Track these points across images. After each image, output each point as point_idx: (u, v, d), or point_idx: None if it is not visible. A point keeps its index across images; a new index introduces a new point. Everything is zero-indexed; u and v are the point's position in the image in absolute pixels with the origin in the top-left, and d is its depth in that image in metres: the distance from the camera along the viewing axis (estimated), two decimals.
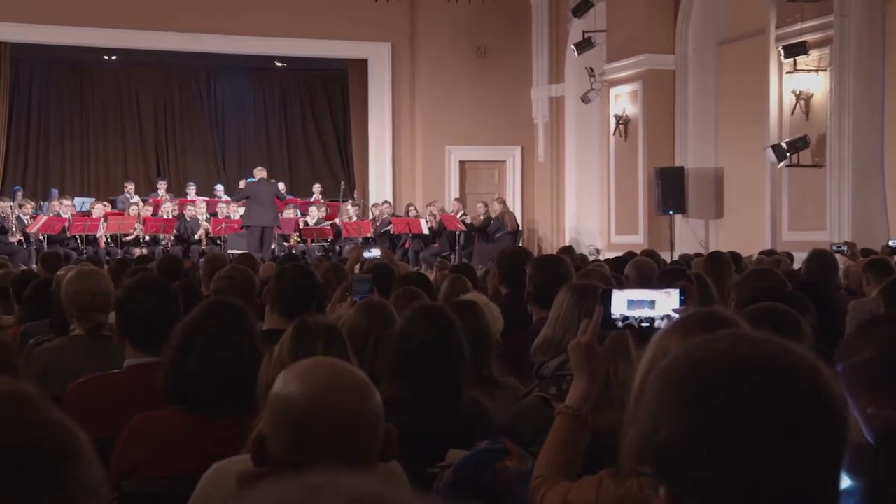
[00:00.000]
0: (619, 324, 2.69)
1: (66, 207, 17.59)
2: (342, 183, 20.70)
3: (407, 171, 20.76)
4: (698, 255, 11.76)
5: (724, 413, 1.20)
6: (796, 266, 9.44)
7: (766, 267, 6.85)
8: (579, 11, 17.73)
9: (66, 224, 16.92)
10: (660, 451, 1.24)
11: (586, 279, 4.51)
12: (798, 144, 13.70)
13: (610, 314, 2.68)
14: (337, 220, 18.95)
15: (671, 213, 16.41)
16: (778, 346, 1.27)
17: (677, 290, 2.76)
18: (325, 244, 18.36)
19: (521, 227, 19.32)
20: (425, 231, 18.14)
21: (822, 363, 1.26)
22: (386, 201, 19.52)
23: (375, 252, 10.03)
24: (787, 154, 13.74)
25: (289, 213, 18.51)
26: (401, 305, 4.35)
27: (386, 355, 3.62)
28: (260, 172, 17.51)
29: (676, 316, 2.66)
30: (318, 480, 0.88)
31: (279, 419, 2.00)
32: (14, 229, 16.56)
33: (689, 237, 16.62)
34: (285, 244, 17.95)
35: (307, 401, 1.97)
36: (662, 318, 2.69)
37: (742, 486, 1.19)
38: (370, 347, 3.82)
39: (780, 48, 13.97)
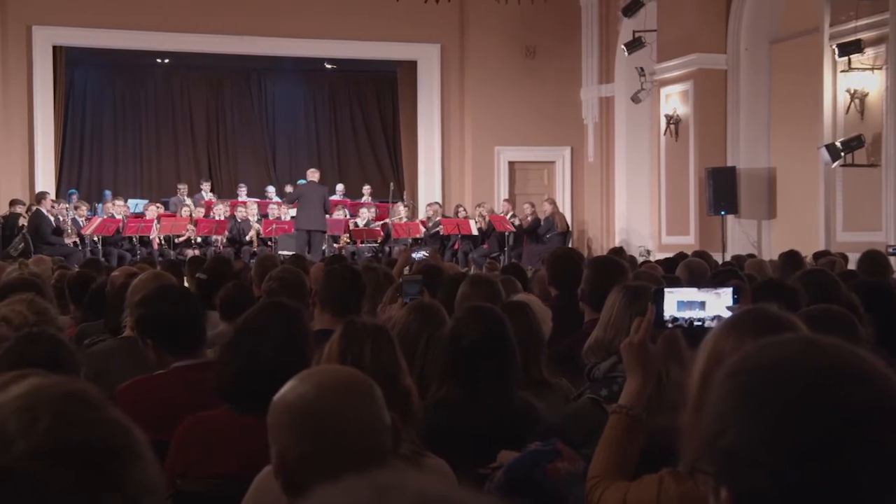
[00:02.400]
0: (670, 324, 2.68)
1: (119, 209, 17.80)
2: (392, 184, 20.74)
3: (456, 172, 20.77)
4: (751, 255, 11.64)
5: (796, 419, 1.19)
6: (851, 267, 9.32)
7: (820, 267, 6.78)
8: (629, 11, 17.63)
9: (120, 225, 17.13)
10: (725, 454, 1.23)
11: (638, 281, 4.49)
12: (853, 144, 13.52)
13: (662, 313, 2.67)
14: (387, 221, 19.00)
15: (723, 213, 16.26)
16: (849, 353, 1.25)
17: (729, 290, 2.73)
18: (375, 245, 18.41)
19: (570, 229, 19.25)
20: (474, 232, 18.13)
21: (891, 370, 1.24)
22: (435, 202, 19.54)
23: (423, 253, 10.06)
24: (842, 154, 13.56)
25: (338, 215, 18.59)
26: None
27: (437, 356, 3.63)
28: (312, 174, 17.58)
29: (729, 314, 2.63)
30: (385, 481, 0.88)
31: (292, 431, 2.04)
32: (70, 231, 16.80)
33: (741, 238, 16.46)
34: (335, 245, 18.03)
35: (313, 407, 2.03)
36: (713, 319, 2.66)
37: (810, 493, 1.17)
38: (421, 349, 3.82)
39: (834, 46, 13.79)
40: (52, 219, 16.41)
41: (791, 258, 7.90)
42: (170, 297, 3.99)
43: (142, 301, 3.97)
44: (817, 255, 10.16)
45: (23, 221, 16.17)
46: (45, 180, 18.61)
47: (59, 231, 16.46)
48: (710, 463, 1.26)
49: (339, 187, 20.31)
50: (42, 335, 3.16)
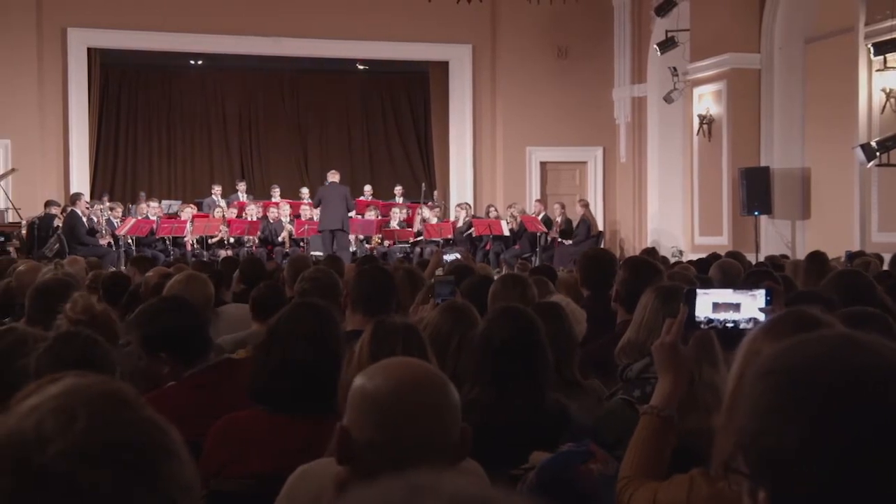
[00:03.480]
0: (704, 326, 2.66)
1: (153, 210, 17.93)
2: (423, 185, 20.77)
3: (487, 173, 20.76)
4: (784, 256, 11.57)
5: (838, 418, 1.17)
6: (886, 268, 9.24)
7: (854, 268, 6.72)
8: (662, 11, 17.56)
9: (154, 226, 17.25)
10: (764, 455, 1.21)
11: (671, 282, 4.47)
12: (888, 143, 13.38)
13: (694, 314, 2.65)
14: (417, 222, 19.01)
15: (756, 213, 16.15)
16: (889, 349, 1.23)
17: (763, 291, 2.71)
18: (407, 246, 18.43)
19: (602, 230, 19.21)
20: (506, 233, 18.11)
21: None
22: (466, 203, 19.52)
23: (454, 255, 10.06)
24: (877, 153, 13.42)
25: (370, 215, 18.62)
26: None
27: (468, 357, 3.63)
28: (332, 176, 17.63)
29: (763, 316, 2.62)
30: (421, 481, 0.88)
31: (364, 410, 2.04)
32: (104, 231, 16.93)
33: (774, 238, 16.34)
34: (366, 246, 18.06)
35: (391, 392, 2.02)
36: (748, 321, 2.65)
37: (851, 494, 1.15)
38: (453, 349, 3.82)
39: (869, 45, 13.66)
40: (86, 220, 16.55)
41: (817, 260, 7.81)
42: (172, 308, 3.97)
43: (144, 318, 3.91)
44: (852, 256, 10.07)
45: (58, 222, 16.32)
46: (80, 181, 18.78)
47: (93, 232, 16.59)
48: (747, 464, 1.24)
49: (367, 188, 20.33)
50: (78, 335, 3.19)
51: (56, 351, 3.05)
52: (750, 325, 2.60)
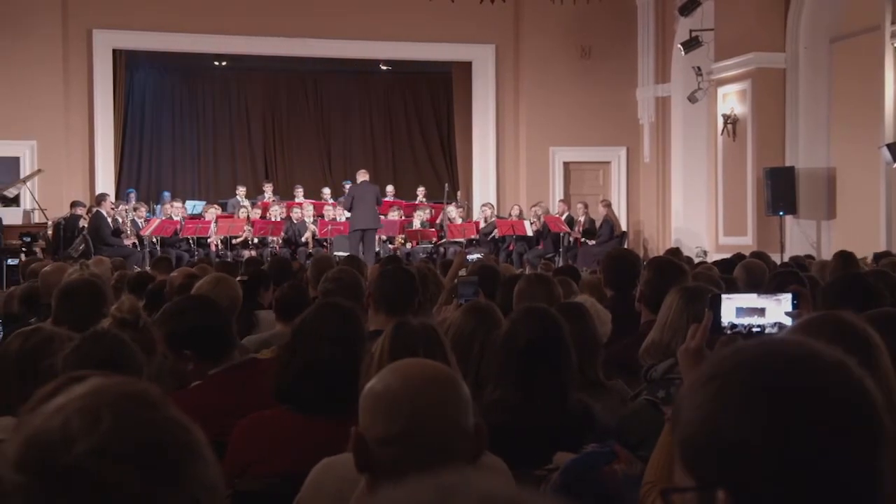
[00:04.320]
0: (729, 331, 2.64)
1: (177, 210, 18.01)
2: (446, 185, 20.78)
3: (511, 173, 20.74)
4: (809, 256, 11.50)
5: (778, 409, 1.24)
6: None
7: (880, 269, 6.67)
8: (686, 10, 17.50)
9: (179, 227, 17.32)
10: (720, 453, 1.26)
11: (696, 282, 4.45)
12: None
13: (719, 319, 2.63)
14: (440, 222, 19.02)
15: (781, 213, 16.07)
16: (823, 350, 1.31)
17: (789, 295, 2.69)
18: (430, 246, 18.44)
19: (626, 230, 19.15)
20: (529, 233, 18.09)
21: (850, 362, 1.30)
22: (489, 203, 19.50)
23: (477, 255, 10.06)
24: None
25: (393, 216, 18.64)
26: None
27: (492, 357, 3.62)
28: (362, 175, 17.62)
29: (789, 321, 2.60)
30: (450, 481, 0.88)
31: (374, 409, 2.05)
32: (129, 232, 17.03)
33: (799, 238, 16.25)
34: (390, 246, 18.08)
35: (399, 388, 2.04)
36: (773, 326, 2.63)
37: (801, 473, 1.22)
38: (476, 350, 3.82)
39: (895, 44, 13.58)
40: (111, 220, 16.64)
41: (846, 259, 7.78)
42: (198, 307, 4.03)
43: (170, 316, 3.96)
44: (878, 256, 10.00)
45: (83, 223, 16.43)
46: (105, 182, 18.89)
47: (118, 232, 16.69)
48: (698, 470, 1.28)
49: (389, 188, 20.35)
50: (105, 334, 3.21)
51: (83, 351, 3.07)
52: (775, 330, 2.58)
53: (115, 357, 3.04)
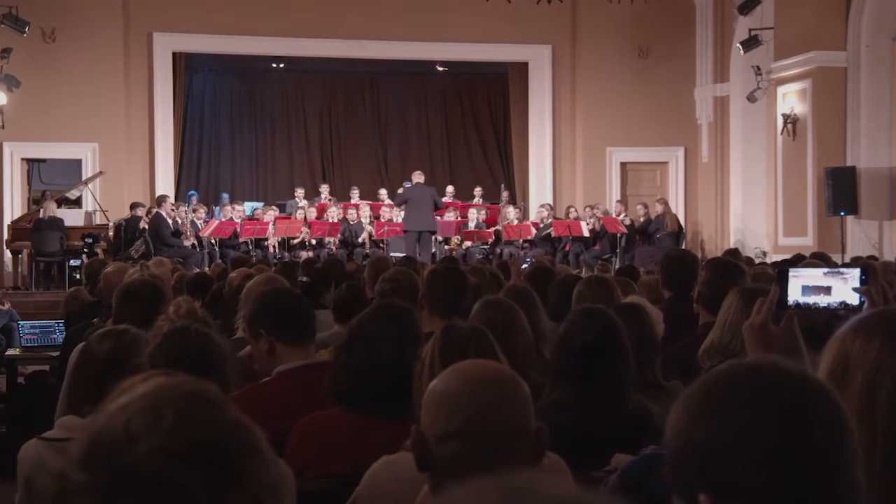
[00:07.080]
0: (792, 308, 2.60)
1: (237, 212, 18.17)
2: (503, 186, 20.75)
3: (567, 174, 20.67)
4: (872, 257, 11.33)
5: (751, 415, 1.37)
6: None
7: None
8: (745, 9, 17.32)
9: (237, 228, 17.47)
10: (699, 457, 1.38)
11: (756, 283, 4.40)
12: None
13: (786, 294, 2.58)
14: (497, 223, 19.00)
15: (842, 214, 15.84)
16: (794, 369, 1.43)
17: (857, 270, 2.63)
18: (486, 247, 18.42)
19: (683, 228, 18.98)
20: (585, 233, 17.99)
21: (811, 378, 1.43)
22: (547, 204, 19.45)
23: (529, 259, 10.03)
24: None
25: (449, 216, 18.64)
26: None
27: (550, 358, 3.61)
28: (418, 177, 17.65)
29: (856, 298, 2.55)
30: (517, 484, 0.88)
31: (436, 406, 2.07)
32: (188, 233, 17.21)
33: (861, 239, 16.01)
34: (446, 247, 18.09)
35: (461, 385, 2.06)
36: (839, 304, 2.58)
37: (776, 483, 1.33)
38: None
39: None
40: (171, 221, 16.84)
41: None
42: (282, 294, 4.13)
43: (255, 298, 4.10)
44: None
45: (143, 224, 16.65)
46: (165, 184, 19.12)
47: (177, 233, 16.88)
48: (683, 474, 1.40)
49: (449, 189, 20.38)
50: (190, 329, 3.25)
51: (169, 346, 3.12)
52: (840, 307, 2.54)
53: (202, 351, 3.08)
